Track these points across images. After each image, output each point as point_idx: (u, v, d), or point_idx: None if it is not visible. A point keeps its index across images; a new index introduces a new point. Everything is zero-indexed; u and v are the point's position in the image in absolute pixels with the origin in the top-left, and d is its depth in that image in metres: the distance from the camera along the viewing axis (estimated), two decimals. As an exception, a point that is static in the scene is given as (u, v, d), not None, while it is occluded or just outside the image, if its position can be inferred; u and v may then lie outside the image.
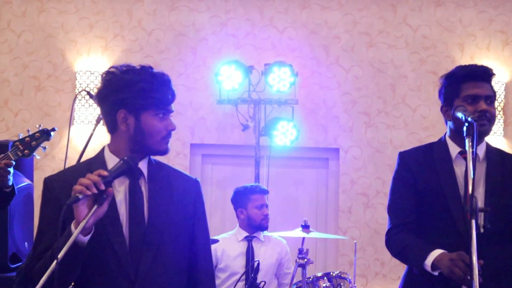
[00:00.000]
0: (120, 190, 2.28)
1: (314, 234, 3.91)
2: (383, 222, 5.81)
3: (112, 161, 2.27)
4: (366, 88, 6.12)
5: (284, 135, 5.75)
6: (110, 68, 2.33)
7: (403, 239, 2.73)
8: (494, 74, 2.80)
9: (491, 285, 2.58)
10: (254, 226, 4.64)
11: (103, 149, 2.35)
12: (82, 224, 2.05)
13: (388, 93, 6.10)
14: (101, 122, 5.58)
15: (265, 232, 4.69)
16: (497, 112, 5.71)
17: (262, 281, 3.71)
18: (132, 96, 2.26)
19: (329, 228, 6.12)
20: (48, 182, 2.31)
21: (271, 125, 5.78)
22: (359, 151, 6.09)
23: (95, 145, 6.12)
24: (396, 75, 6.10)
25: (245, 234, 4.67)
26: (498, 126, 5.82)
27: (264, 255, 4.54)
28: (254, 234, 4.66)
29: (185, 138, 6.12)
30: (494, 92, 2.77)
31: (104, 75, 2.31)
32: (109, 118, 2.30)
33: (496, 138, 5.80)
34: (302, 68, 6.06)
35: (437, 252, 2.57)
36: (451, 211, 2.67)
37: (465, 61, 5.86)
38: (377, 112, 6.10)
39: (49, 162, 6.15)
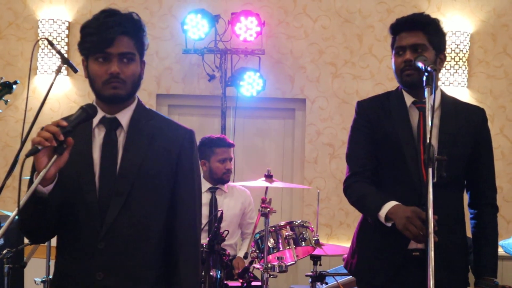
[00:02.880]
0: (99, 139, 2.28)
1: (277, 184, 3.95)
2: (349, 172, 5.87)
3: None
4: (333, 38, 6.12)
5: (251, 85, 5.76)
6: None
7: (360, 188, 2.77)
8: (429, 22, 2.78)
9: (443, 231, 2.66)
10: (215, 179, 4.65)
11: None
12: (41, 174, 2.05)
13: (355, 44, 6.11)
14: (62, 71, 5.44)
15: (229, 182, 4.73)
16: (461, 63, 5.80)
17: (225, 230, 3.76)
18: (80, 41, 2.28)
19: (295, 178, 6.19)
20: None
21: (238, 75, 5.78)
22: (326, 101, 6.12)
23: (57, 95, 6.07)
24: (363, 25, 6.10)
25: (209, 185, 4.68)
26: (462, 77, 5.88)
27: (228, 206, 4.57)
28: (218, 186, 4.68)
29: (151, 88, 6.08)
30: (431, 40, 2.75)
31: None
32: None
33: (460, 89, 5.87)
34: (269, 17, 6.03)
35: (391, 204, 2.61)
36: (406, 159, 2.71)
37: (432, 11, 5.88)
38: (344, 63, 6.12)
39: (12, 112, 6.08)
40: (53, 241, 2.42)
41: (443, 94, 2.85)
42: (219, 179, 4.63)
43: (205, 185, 4.70)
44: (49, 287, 2.40)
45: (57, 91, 5.99)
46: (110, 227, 2.21)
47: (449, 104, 2.83)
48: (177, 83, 6.16)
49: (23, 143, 2.39)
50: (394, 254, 2.74)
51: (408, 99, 2.80)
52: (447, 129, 2.76)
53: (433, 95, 2.46)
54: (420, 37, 2.74)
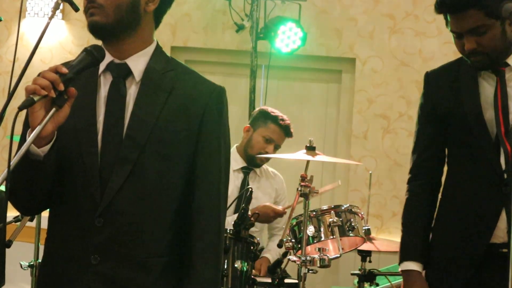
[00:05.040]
0: (104, 90, 2.25)
1: (321, 158, 3.92)
2: (406, 151, 5.84)
3: None
4: (392, -16, 6.07)
5: (288, 39, 5.72)
6: None
7: (410, 206, 3.04)
8: None
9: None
10: (248, 155, 4.64)
11: None
12: (36, 131, 2.02)
13: (419, -9, 6.05)
14: (59, 11, 5.42)
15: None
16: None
17: (255, 212, 3.75)
18: None
19: (339, 157, 6.16)
20: None
21: (272, 26, 5.79)
22: (380, 62, 6.10)
23: (50, 43, 6.07)
24: (431, -32, 6.02)
25: (242, 163, 4.69)
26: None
27: (260, 192, 4.58)
28: (252, 166, 4.67)
29: (165, 39, 6.07)
30: (490, 12, 2.63)
31: None
32: None
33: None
34: (313, -44, 6.00)
35: (411, 266, 2.90)
36: (475, 135, 2.75)
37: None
38: (405, 15, 6.09)
39: (-5, 63, 6.13)
40: (43, 224, 2.41)
41: None
42: (250, 158, 4.61)
43: (238, 161, 4.70)
44: (38, 271, 2.39)
45: (50, 38, 6.02)
46: (111, 201, 2.18)
47: None
48: (197, 34, 6.18)
49: (10, 97, 2.37)
50: (474, 248, 2.76)
51: None
52: None
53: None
54: (474, 18, 2.64)
